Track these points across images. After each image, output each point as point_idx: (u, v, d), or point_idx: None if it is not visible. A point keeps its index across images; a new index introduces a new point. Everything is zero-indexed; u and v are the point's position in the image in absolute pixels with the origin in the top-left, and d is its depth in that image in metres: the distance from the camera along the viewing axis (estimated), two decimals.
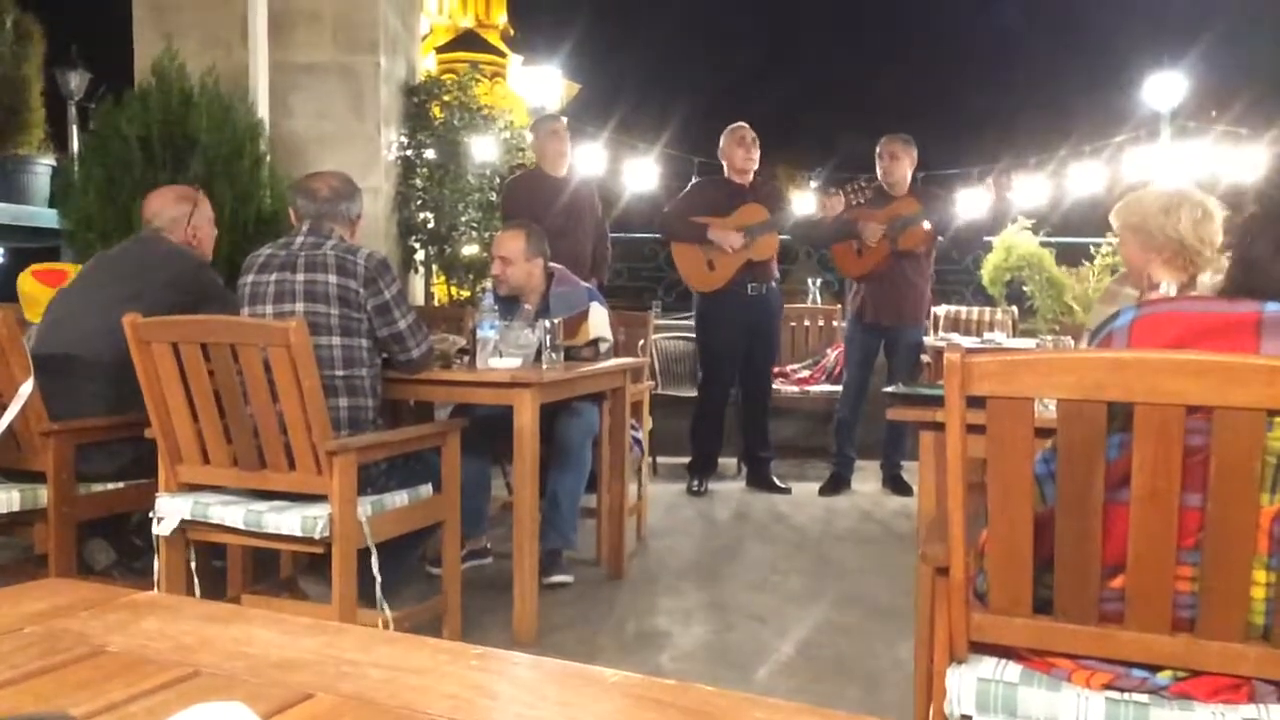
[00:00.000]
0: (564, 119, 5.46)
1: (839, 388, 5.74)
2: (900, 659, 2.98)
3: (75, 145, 8.02)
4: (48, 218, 6.50)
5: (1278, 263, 1.49)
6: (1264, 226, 1.52)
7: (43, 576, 1.06)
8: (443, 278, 6.70)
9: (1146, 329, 1.50)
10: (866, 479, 5.65)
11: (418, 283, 6.62)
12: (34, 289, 3.87)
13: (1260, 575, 1.42)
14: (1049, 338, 3.55)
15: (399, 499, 2.88)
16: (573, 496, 3.80)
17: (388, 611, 2.71)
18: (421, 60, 7.05)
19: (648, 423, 4.75)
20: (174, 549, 2.82)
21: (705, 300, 5.41)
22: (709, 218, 5.24)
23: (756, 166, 5.35)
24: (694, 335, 5.72)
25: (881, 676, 2.94)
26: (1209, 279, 2.42)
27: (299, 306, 2.85)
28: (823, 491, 5.50)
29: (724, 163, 5.41)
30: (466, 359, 3.49)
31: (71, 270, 3.80)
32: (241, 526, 2.69)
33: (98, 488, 3.12)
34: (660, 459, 6.00)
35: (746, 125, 5.39)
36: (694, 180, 6.04)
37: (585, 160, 5.56)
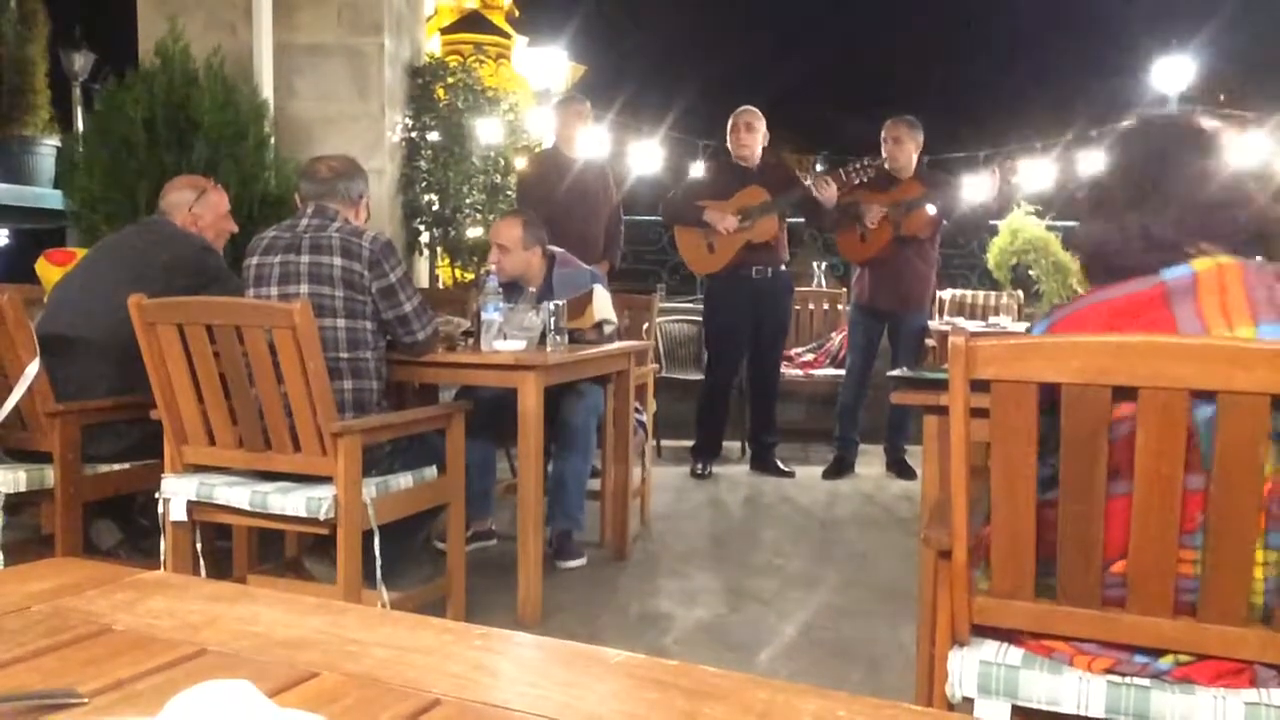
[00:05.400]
0: (586, 100, 5.44)
1: (843, 371, 5.74)
2: (903, 642, 2.99)
3: (80, 126, 8.01)
4: (53, 199, 6.49)
5: (1128, 250, 1.54)
6: (1097, 216, 1.60)
7: (49, 556, 1.07)
8: (447, 260, 6.70)
9: (1065, 331, 1.51)
10: (870, 463, 5.66)
11: (422, 265, 6.62)
12: (45, 271, 3.88)
13: (1259, 554, 1.42)
14: None
15: (404, 481, 2.89)
16: (579, 478, 3.81)
17: (385, 595, 2.72)
18: (426, 41, 7.03)
19: (652, 406, 4.75)
20: (180, 529, 2.83)
21: (713, 283, 5.42)
22: (709, 201, 5.24)
23: (759, 149, 5.33)
24: (700, 318, 5.72)
25: (883, 659, 2.95)
26: None
27: (304, 289, 2.85)
28: (826, 475, 5.50)
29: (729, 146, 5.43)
30: (471, 341, 3.50)
31: (82, 253, 3.81)
32: (247, 507, 2.70)
33: (104, 468, 3.14)
34: (664, 442, 6.01)
35: (750, 108, 5.36)
36: (701, 164, 6.04)
37: (590, 142, 5.53)
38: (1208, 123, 1.63)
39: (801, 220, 5.91)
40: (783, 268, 5.44)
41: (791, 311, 5.82)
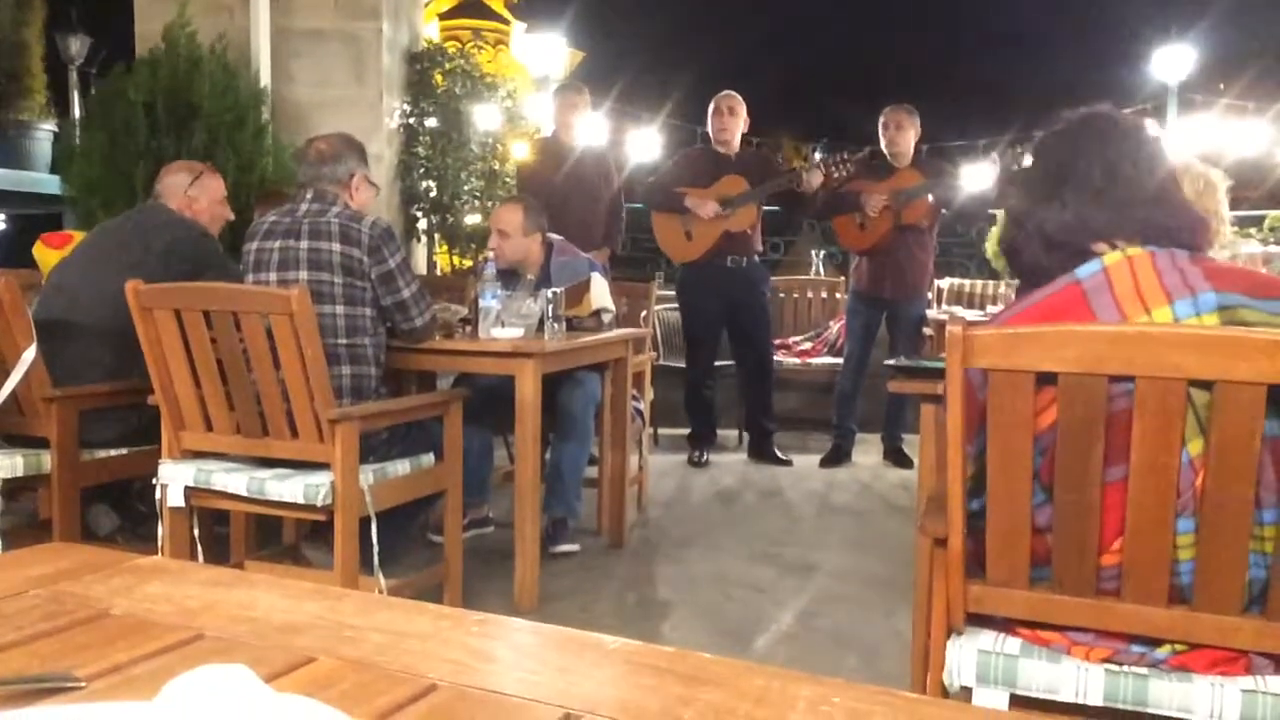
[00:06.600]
0: (584, 88, 5.42)
1: (841, 360, 5.74)
2: (898, 630, 3.00)
3: (76, 111, 7.99)
4: (49, 183, 6.48)
5: (1030, 250, 1.61)
6: (1016, 221, 1.66)
7: (47, 541, 1.07)
8: (445, 247, 6.69)
9: None
10: (867, 451, 5.66)
11: (420, 252, 6.62)
12: (43, 254, 3.87)
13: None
14: None
15: (401, 467, 2.90)
16: (576, 466, 3.82)
17: (383, 581, 2.72)
18: (424, 27, 7.01)
19: (649, 393, 4.75)
20: (178, 515, 2.83)
21: (685, 271, 5.44)
22: (689, 188, 5.23)
23: (737, 136, 5.32)
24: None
25: (879, 647, 2.96)
26: (1215, 251, 2.41)
27: (303, 274, 2.84)
28: (823, 463, 5.51)
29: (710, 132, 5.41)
30: (469, 328, 3.50)
31: (79, 237, 3.80)
32: (244, 493, 2.70)
33: (101, 454, 3.14)
34: (661, 430, 6.01)
35: (730, 94, 5.34)
36: (683, 150, 6.01)
37: (588, 129, 5.52)
38: (1124, 120, 1.65)
39: (777, 209, 5.89)
40: (756, 258, 5.44)
41: (769, 298, 5.76)
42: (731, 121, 5.27)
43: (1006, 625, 1.59)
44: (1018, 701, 1.54)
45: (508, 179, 6.39)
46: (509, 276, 3.75)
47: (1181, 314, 1.44)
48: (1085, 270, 1.51)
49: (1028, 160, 1.76)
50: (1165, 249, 1.50)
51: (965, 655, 1.56)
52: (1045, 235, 1.58)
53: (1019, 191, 1.68)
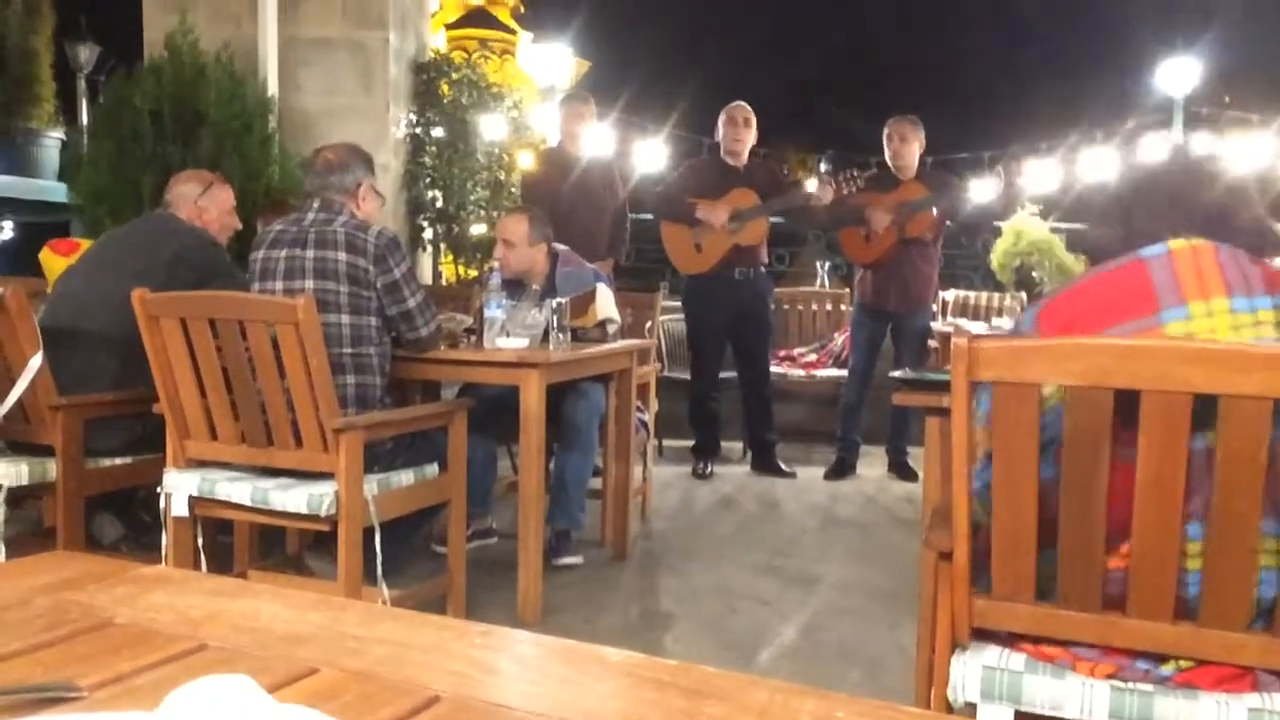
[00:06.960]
0: (590, 98, 5.43)
1: (845, 372, 5.73)
2: (903, 644, 2.99)
3: (85, 119, 8.02)
4: (57, 191, 6.50)
5: (1110, 242, 1.67)
6: (1100, 224, 1.74)
7: (51, 549, 1.07)
8: (450, 256, 6.70)
9: (1049, 317, 1.58)
10: (872, 464, 5.65)
11: (426, 261, 6.63)
12: (50, 260, 3.89)
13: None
14: None
15: (405, 478, 2.89)
16: (580, 477, 3.81)
17: (386, 592, 2.72)
18: (431, 37, 7.03)
19: (654, 405, 4.75)
20: (181, 524, 2.83)
21: (692, 283, 5.44)
22: (698, 200, 5.23)
23: (748, 147, 5.32)
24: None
25: (883, 660, 2.95)
26: None
27: (309, 284, 2.85)
28: (828, 476, 5.50)
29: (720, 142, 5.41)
30: (474, 338, 3.50)
31: (86, 244, 3.81)
32: (248, 503, 2.70)
33: (106, 462, 3.14)
34: (666, 441, 6.00)
35: (743, 104, 5.35)
36: (690, 160, 6.02)
37: (594, 139, 5.52)
38: (1208, 155, 1.80)
39: (781, 220, 5.89)
40: (762, 269, 5.44)
41: (771, 309, 5.76)
42: (745, 132, 5.28)
43: (1011, 640, 1.58)
44: (1022, 718, 1.54)
45: (513, 189, 6.40)
46: (514, 287, 3.75)
47: (1238, 307, 1.47)
48: (1150, 250, 1.55)
49: (1103, 160, 1.87)
50: (1229, 246, 1.54)
51: (970, 670, 1.55)
52: (1134, 228, 1.63)
53: (1114, 205, 1.75)
